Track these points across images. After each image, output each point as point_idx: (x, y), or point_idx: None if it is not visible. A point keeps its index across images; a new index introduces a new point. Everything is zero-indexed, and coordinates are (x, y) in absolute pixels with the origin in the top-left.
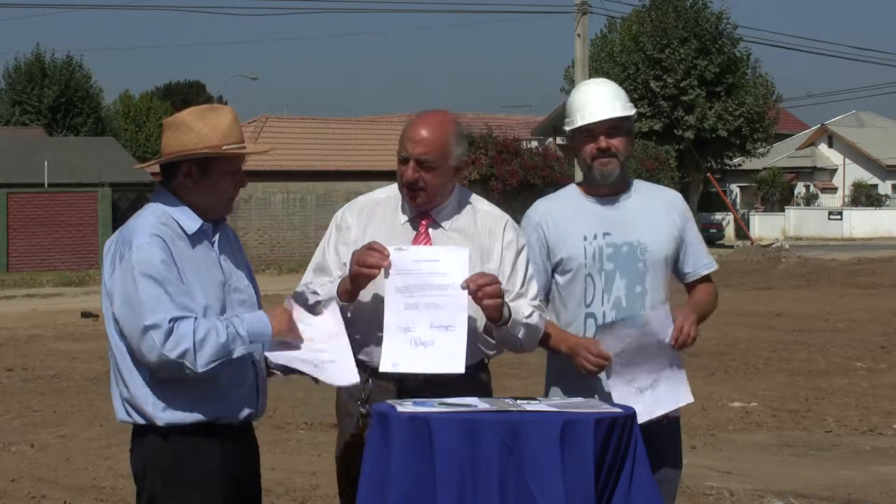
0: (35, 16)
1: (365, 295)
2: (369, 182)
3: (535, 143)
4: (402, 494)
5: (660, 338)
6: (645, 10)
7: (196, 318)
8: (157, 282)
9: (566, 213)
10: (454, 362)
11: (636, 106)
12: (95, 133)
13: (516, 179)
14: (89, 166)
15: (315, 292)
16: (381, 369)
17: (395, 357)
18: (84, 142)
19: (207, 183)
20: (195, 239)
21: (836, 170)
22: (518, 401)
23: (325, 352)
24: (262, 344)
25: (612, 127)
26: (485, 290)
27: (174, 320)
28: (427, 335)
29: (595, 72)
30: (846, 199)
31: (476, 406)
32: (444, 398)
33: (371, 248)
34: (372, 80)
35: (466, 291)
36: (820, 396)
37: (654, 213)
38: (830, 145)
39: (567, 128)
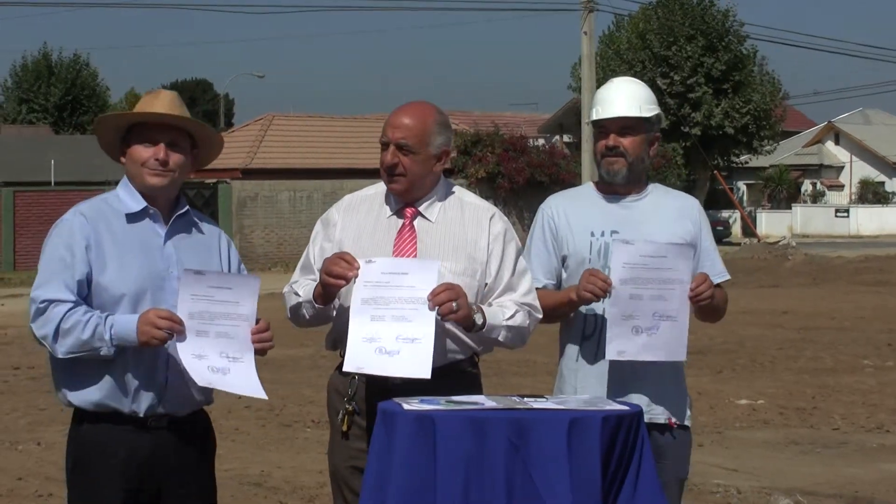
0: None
1: (347, 296)
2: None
3: (541, 141)
4: (406, 492)
5: (676, 276)
6: (651, 7)
7: (73, 307)
8: (57, 258)
9: (578, 208)
10: (421, 368)
11: None
12: None
13: (523, 177)
14: (96, 165)
15: (297, 293)
16: (345, 369)
17: (358, 361)
18: (91, 140)
19: (127, 153)
20: (135, 218)
21: (842, 167)
22: (525, 398)
23: (227, 354)
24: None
25: (625, 126)
26: (444, 308)
27: (49, 301)
28: (392, 346)
29: (602, 69)
30: (853, 197)
31: (483, 404)
32: (446, 395)
33: (341, 257)
34: (378, 78)
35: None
36: (827, 394)
37: (665, 215)
38: (837, 143)
39: (585, 120)
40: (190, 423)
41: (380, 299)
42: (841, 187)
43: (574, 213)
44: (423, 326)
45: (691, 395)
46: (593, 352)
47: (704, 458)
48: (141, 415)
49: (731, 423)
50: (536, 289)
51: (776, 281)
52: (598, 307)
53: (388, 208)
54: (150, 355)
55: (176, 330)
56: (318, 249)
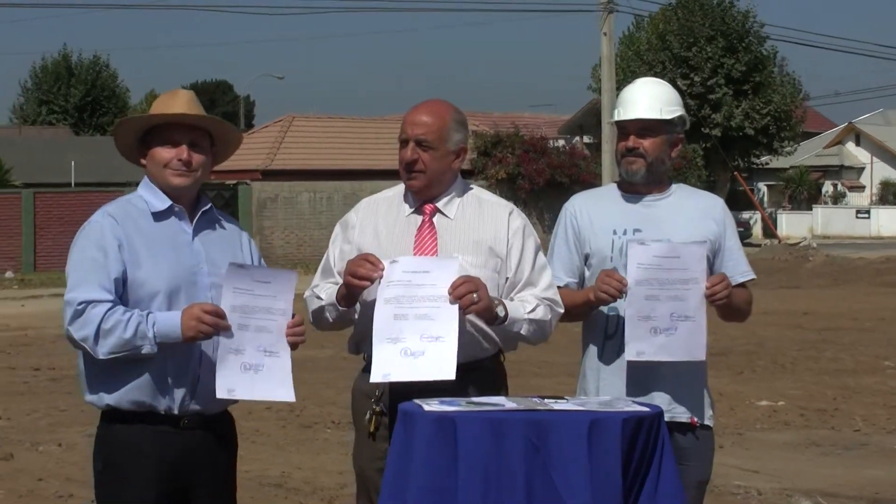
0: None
1: (369, 296)
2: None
3: (561, 142)
4: (425, 493)
5: (691, 276)
6: (671, 8)
7: (112, 307)
8: (89, 259)
9: (601, 207)
10: (445, 369)
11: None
12: None
13: (543, 178)
14: (116, 166)
15: (318, 297)
16: (372, 380)
17: (385, 368)
18: (111, 141)
19: (149, 154)
20: (161, 216)
21: (863, 168)
22: (545, 400)
23: (264, 347)
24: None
25: (645, 128)
26: (465, 300)
27: (87, 303)
28: (417, 346)
29: (621, 71)
30: (874, 198)
31: (503, 405)
32: (470, 397)
33: (365, 258)
34: (398, 79)
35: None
36: (847, 395)
37: (688, 215)
38: (858, 143)
39: (608, 120)
40: (218, 422)
41: (402, 298)
42: (862, 188)
43: (597, 212)
44: (446, 324)
45: (712, 397)
46: (616, 351)
47: (725, 459)
48: (176, 412)
49: (752, 424)
50: (558, 287)
51: (797, 282)
52: (620, 307)
53: (406, 206)
54: (185, 351)
55: (221, 326)
56: (337, 252)
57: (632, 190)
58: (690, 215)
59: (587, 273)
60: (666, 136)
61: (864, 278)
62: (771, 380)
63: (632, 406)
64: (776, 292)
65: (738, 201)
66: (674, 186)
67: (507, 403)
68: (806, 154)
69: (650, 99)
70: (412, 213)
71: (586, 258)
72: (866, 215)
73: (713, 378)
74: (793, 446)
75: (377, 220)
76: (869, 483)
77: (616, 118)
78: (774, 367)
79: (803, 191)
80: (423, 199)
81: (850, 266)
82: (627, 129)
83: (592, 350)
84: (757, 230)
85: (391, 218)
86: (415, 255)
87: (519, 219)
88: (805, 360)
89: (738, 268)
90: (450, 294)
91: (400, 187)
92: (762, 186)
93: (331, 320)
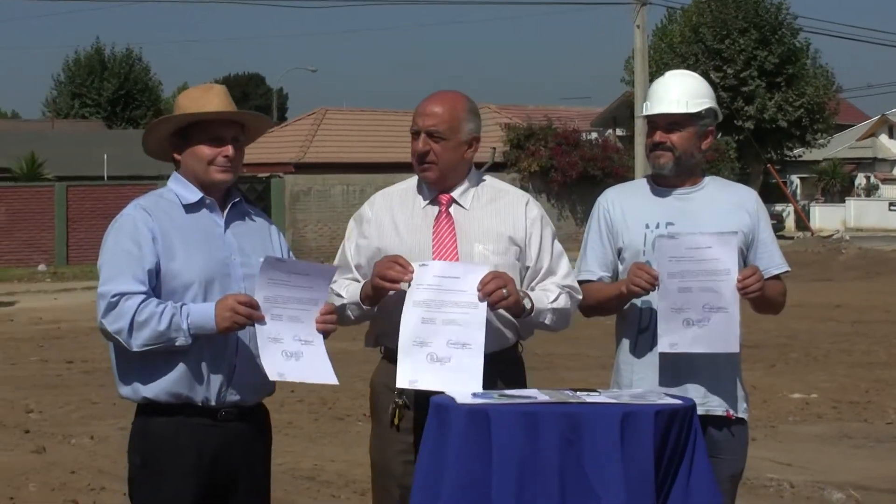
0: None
1: (396, 296)
2: None
3: (594, 135)
4: (459, 487)
5: (722, 267)
6: (704, 0)
7: (145, 299)
8: (123, 251)
9: (633, 201)
10: (472, 380)
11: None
12: None
13: (576, 171)
14: (148, 159)
15: (339, 294)
16: (399, 385)
17: (412, 374)
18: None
19: (189, 151)
20: (193, 209)
21: None
22: (578, 392)
23: (299, 336)
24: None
25: (672, 122)
26: (494, 296)
27: (120, 295)
28: (443, 352)
29: (654, 63)
30: None
31: (536, 398)
32: (494, 382)
33: (394, 261)
34: (431, 71)
35: (485, 309)
36: (880, 388)
37: (721, 207)
38: (891, 136)
39: (637, 113)
40: (255, 414)
41: (431, 302)
42: (895, 180)
43: (629, 205)
44: (474, 331)
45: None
46: (649, 344)
47: (757, 452)
48: (213, 403)
49: (785, 417)
50: (592, 281)
51: (829, 275)
52: (654, 300)
53: (420, 198)
54: (221, 342)
55: (255, 317)
56: (353, 247)
57: (664, 183)
58: (724, 208)
59: (620, 267)
60: (694, 128)
61: None
62: (804, 372)
63: (664, 399)
64: (809, 285)
65: (770, 194)
66: (707, 179)
67: (539, 396)
68: (839, 146)
69: (678, 93)
70: (428, 204)
71: (619, 252)
72: None
73: (746, 371)
74: (825, 439)
75: (393, 213)
76: None
77: (645, 112)
78: (807, 360)
79: (836, 183)
80: (438, 189)
81: (882, 258)
82: (656, 123)
83: (626, 344)
84: (790, 223)
85: (407, 211)
86: (434, 246)
87: (536, 208)
88: (838, 352)
89: (773, 260)
90: (479, 290)
91: (413, 179)
92: (795, 179)
93: (353, 318)
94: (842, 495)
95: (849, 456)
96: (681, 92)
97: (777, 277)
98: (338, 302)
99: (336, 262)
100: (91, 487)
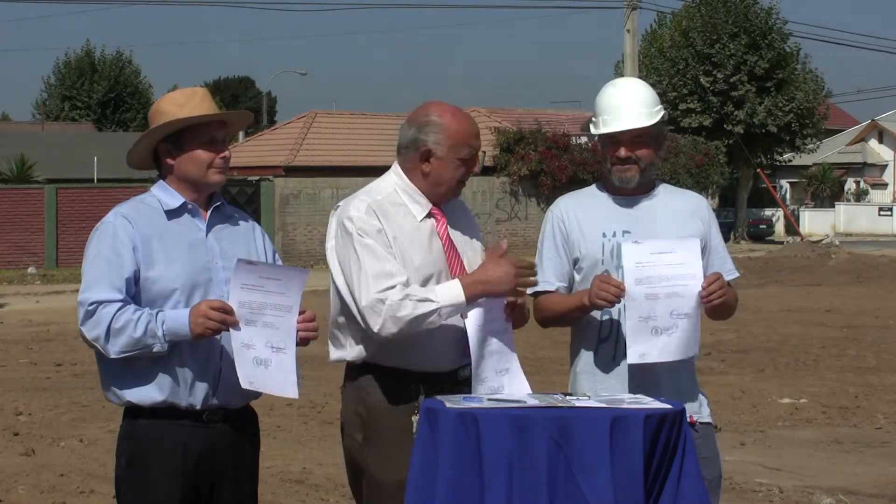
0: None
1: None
2: None
3: (584, 139)
4: (451, 491)
5: (687, 271)
6: (695, 5)
7: (122, 306)
8: (102, 259)
9: (588, 210)
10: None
11: (685, 101)
12: (145, 128)
13: (566, 175)
14: None
15: (428, 298)
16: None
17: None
18: (133, 137)
19: (184, 156)
20: (175, 214)
21: (886, 165)
22: (567, 396)
23: (271, 343)
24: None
25: (636, 136)
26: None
27: (98, 303)
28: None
29: (644, 67)
30: None
31: (525, 402)
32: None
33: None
34: (420, 75)
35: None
36: (870, 393)
37: (675, 213)
38: (881, 141)
39: (592, 130)
40: (241, 417)
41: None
42: (884, 185)
43: (584, 215)
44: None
45: (734, 395)
46: (611, 354)
47: (747, 456)
48: (198, 407)
49: (774, 421)
50: (550, 292)
51: (819, 279)
52: (614, 310)
53: (416, 213)
54: (206, 347)
55: (229, 321)
56: (386, 254)
57: (618, 191)
58: (679, 216)
59: (577, 277)
60: (658, 138)
61: (886, 276)
62: (793, 377)
63: (655, 403)
64: (798, 290)
65: (760, 198)
66: (659, 186)
67: (528, 400)
68: (829, 151)
69: (637, 104)
70: (425, 218)
71: (575, 262)
72: (889, 213)
73: (735, 376)
74: (815, 444)
75: (399, 223)
76: (891, 481)
77: (604, 129)
78: (797, 365)
79: (826, 188)
80: (434, 202)
81: (872, 263)
82: (618, 137)
83: (585, 354)
84: (779, 227)
85: (408, 225)
86: (447, 258)
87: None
88: (827, 357)
89: (725, 266)
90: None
91: (381, 194)
92: (785, 184)
93: (441, 321)
94: (831, 500)
95: (838, 461)
96: (639, 103)
97: (728, 284)
98: (429, 308)
99: (376, 271)
100: (80, 490)
